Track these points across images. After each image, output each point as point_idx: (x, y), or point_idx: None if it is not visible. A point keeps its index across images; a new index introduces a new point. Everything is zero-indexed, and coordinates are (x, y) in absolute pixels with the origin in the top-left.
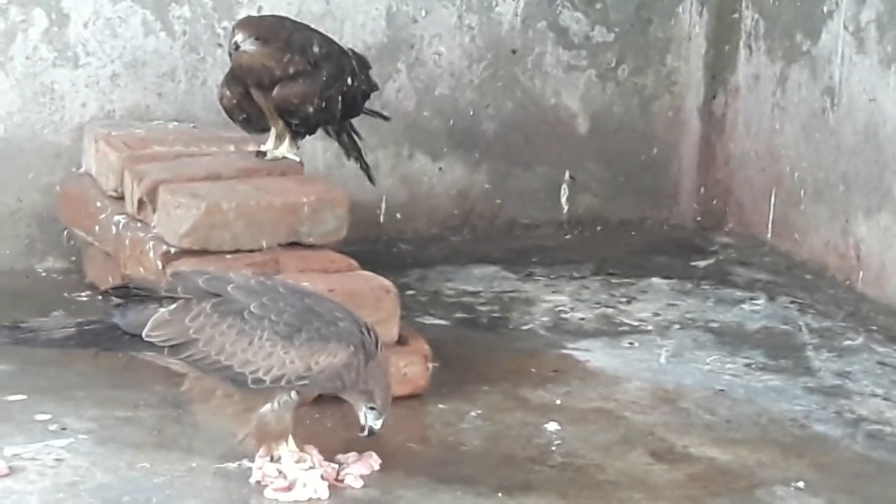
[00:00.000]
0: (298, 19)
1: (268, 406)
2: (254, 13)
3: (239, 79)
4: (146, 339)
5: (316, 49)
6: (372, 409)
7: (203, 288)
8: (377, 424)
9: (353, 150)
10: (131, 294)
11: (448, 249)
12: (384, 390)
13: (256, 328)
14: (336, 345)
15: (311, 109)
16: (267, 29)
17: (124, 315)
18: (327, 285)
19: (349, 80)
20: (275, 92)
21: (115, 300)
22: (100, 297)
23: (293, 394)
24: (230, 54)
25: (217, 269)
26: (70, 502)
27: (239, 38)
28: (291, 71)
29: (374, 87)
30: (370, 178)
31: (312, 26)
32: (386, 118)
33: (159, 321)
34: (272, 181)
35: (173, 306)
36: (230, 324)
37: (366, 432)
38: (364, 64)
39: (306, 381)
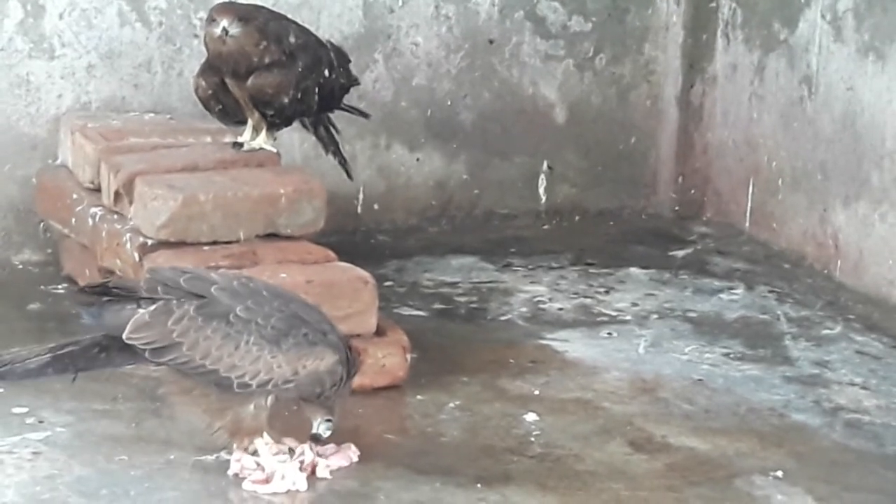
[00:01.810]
0: (275, 10)
1: (245, 406)
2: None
3: (214, 68)
4: (127, 341)
5: (292, 39)
6: (328, 420)
7: (185, 288)
8: (326, 434)
9: (330, 143)
10: (109, 293)
11: (426, 240)
12: (342, 408)
13: (243, 332)
14: (323, 349)
15: (286, 100)
16: (246, 12)
17: (100, 315)
18: (305, 277)
19: (326, 73)
20: (249, 81)
21: (87, 300)
22: (76, 291)
23: (271, 397)
24: (206, 43)
25: (196, 266)
26: (48, 495)
27: (225, 22)
28: (267, 60)
29: (355, 82)
30: (348, 174)
31: (289, 17)
32: (366, 116)
33: (139, 323)
34: (249, 172)
35: (153, 307)
36: (215, 327)
37: (314, 439)
38: (343, 57)
39: (291, 385)
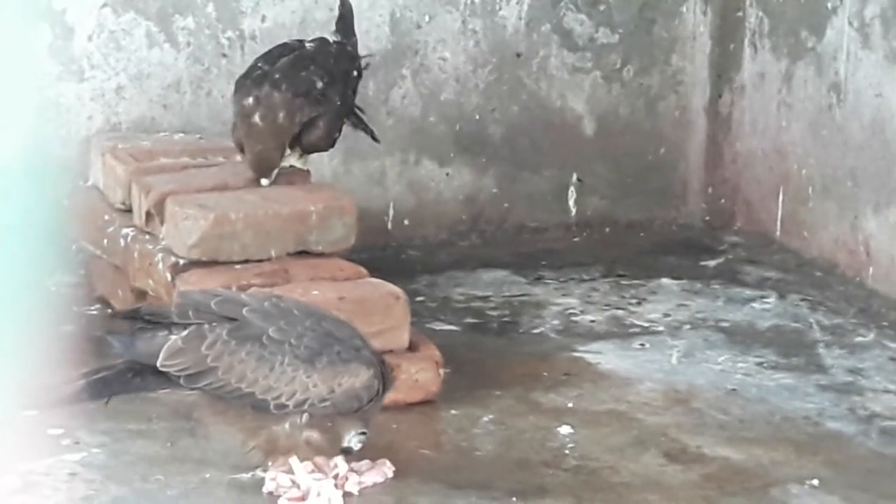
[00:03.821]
0: (303, 27)
1: (280, 425)
2: (257, 22)
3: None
4: (161, 368)
5: (319, 84)
6: (362, 433)
7: (216, 312)
8: (357, 447)
9: (359, 123)
10: (141, 319)
11: (457, 255)
12: (375, 422)
13: (276, 353)
14: (357, 366)
15: (336, 135)
16: (265, 95)
17: (132, 344)
18: (337, 293)
19: (355, 74)
20: (302, 143)
21: (119, 328)
22: (108, 316)
23: (305, 416)
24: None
25: (228, 285)
26: None
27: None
28: (304, 120)
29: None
30: (374, 138)
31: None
32: (376, 140)
33: (173, 350)
34: (280, 190)
35: (185, 333)
36: (249, 350)
37: (346, 452)
38: (347, 35)
39: (328, 403)
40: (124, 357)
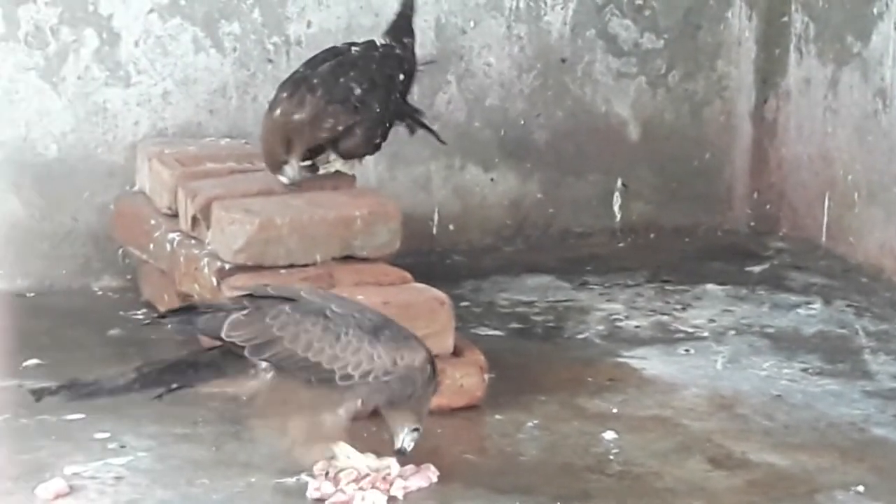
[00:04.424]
0: (348, 33)
1: (332, 411)
2: (303, 28)
3: None
4: (226, 338)
5: (357, 91)
6: (415, 430)
7: (273, 294)
8: (410, 447)
9: (415, 124)
10: (196, 310)
11: (502, 260)
12: (426, 418)
13: (341, 325)
14: (416, 344)
15: (378, 141)
16: (298, 98)
17: (192, 322)
18: (382, 298)
19: (401, 77)
20: (340, 150)
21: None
22: (156, 316)
23: (359, 401)
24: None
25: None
26: None
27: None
28: (342, 128)
29: (412, 52)
30: (438, 139)
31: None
32: (442, 141)
33: (236, 321)
34: (325, 195)
35: (245, 311)
36: (314, 321)
37: (400, 454)
38: (399, 33)
39: (390, 377)
40: (184, 333)
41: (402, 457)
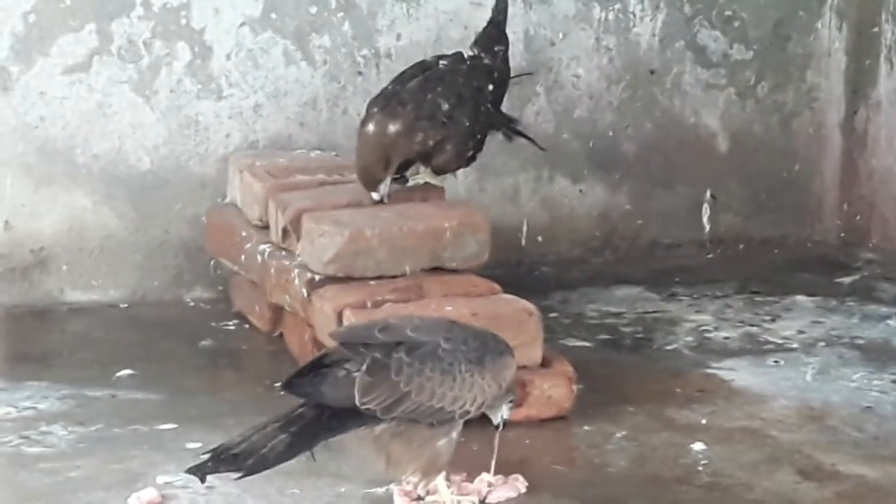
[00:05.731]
0: (437, 45)
1: (445, 439)
2: (392, 41)
3: None
4: (363, 408)
5: (445, 106)
6: (511, 402)
7: (382, 340)
8: (508, 416)
9: (512, 132)
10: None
11: (590, 271)
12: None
13: (454, 363)
14: (507, 355)
15: (469, 154)
16: (388, 115)
17: (319, 392)
18: (470, 309)
19: (490, 88)
20: (433, 165)
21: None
22: (280, 386)
23: (462, 422)
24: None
25: (363, 301)
26: None
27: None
28: (432, 143)
29: (506, 60)
30: (537, 145)
31: (431, 58)
32: (541, 148)
33: (365, 386)
34: (414, 207)
35: (365, 367)
36: (432, 367)
37: (500, 426)
38: (489, 46)
39: (497, 398)
40: (313, 404)
41: (504, 427)
